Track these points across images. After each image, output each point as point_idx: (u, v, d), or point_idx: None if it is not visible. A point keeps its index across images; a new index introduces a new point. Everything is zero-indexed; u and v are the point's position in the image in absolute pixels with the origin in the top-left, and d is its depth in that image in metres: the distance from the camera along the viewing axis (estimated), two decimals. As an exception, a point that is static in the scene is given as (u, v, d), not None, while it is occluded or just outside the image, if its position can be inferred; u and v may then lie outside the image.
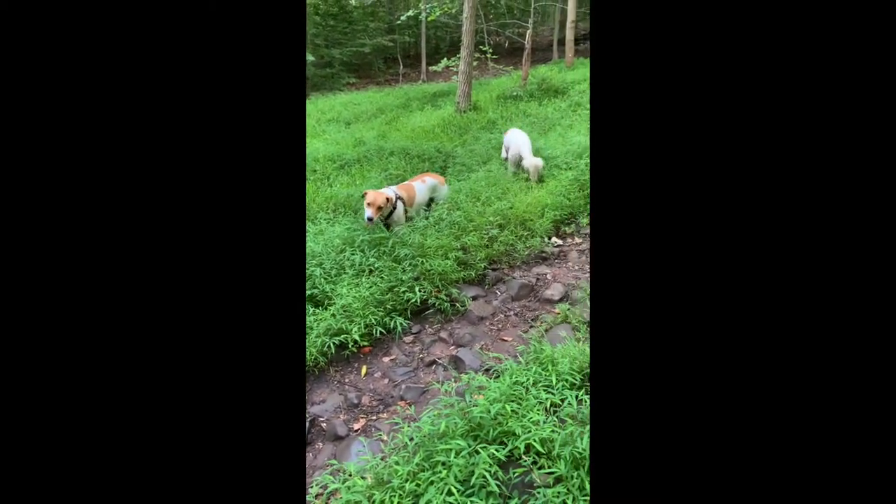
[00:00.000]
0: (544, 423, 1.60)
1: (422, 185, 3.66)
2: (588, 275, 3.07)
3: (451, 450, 1.52)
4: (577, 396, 1.72)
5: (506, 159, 4.42)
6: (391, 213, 3.30)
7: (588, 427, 1.58)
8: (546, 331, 2.56)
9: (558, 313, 2.72)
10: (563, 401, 1.75)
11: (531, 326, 2.70)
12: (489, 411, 1.63)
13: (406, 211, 3.44)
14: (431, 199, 3.80)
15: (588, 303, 2.68)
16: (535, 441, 1.52)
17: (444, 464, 1.52)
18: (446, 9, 10.40)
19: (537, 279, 3.12)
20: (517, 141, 4.20)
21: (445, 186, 3.86)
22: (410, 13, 10.47)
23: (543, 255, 3.37)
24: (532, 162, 4.00)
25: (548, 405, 1.72)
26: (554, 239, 3.54)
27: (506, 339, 2.61)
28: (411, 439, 1.66)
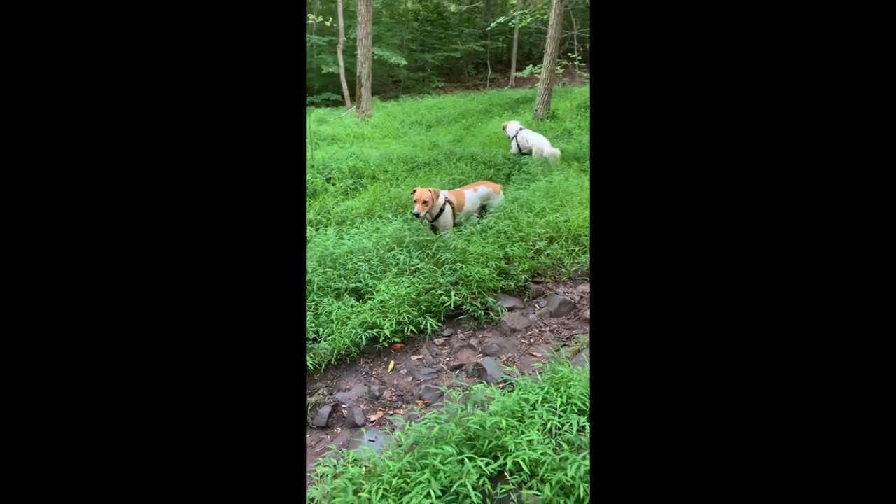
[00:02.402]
0: (539, 443, 1.57)
1: (472, 193, 3.69)
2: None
3: (440, 454, 1.56)
4: (579, 422, 1.66)
5: (528, 153, 5.51)
6: (439, 215, 3.38)
7: (584, 455, 1.53)
8: (577, 351, 2.47)
9: (595, 335, 2.61)
10: (556, 422, 1.70)
11: (564, 345, 2.62)
12: (485, 423, 1.64)
13: (455, 216, 3.50)
14: (484, 207, 3.83)
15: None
16: (522, 460, 1.50)
17: (433, 467, 1.56)
18: (538, 15, 10.30)
19: (581, 297, 3.01)
20: (538, 138, 5.43)
21: (500, 196, 3.86)
22: (501, 20, 10.52)
23: (592, 272, 3.25)
24: (552, 151, 5.22)
25: (549, 427, 1.68)
26: (607, 257, 3.40)
27: (534, 354, 2.56)
28: (408, 438, 1.72)
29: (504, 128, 5.93)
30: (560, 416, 1.75)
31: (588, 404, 1.81)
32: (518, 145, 5.63)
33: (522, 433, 1.65)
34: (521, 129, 5.68)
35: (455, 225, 3.54)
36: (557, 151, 5.25)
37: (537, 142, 5.43)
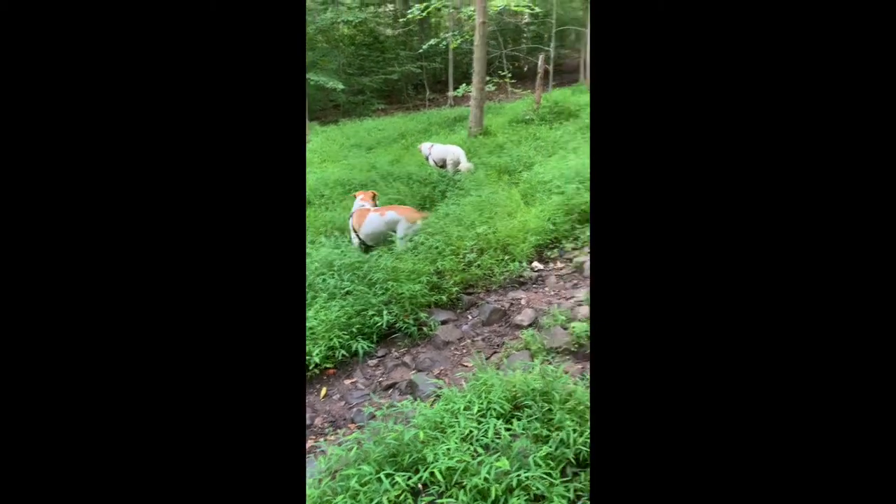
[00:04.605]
0: (456, 451, 1.60)
1: (377, 217, 3.63)
2: (561, 300, 3.03)
3: (357, 475, 1.55)
4: (495, 426, 1.71)
5: (441, 166, 5.87)
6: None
7: (497, 456, 1.57)
8: (506, 357, 2.54)
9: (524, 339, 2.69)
10: (477, 428, 1.74)
11: (495, 352, 2.69)
12: (403, 438, 1.65)
13: (356, 233, 3.68)
14: (392, 233, 3.69)
15: (552, 329, 2.65)
16: (438, 470, 1.52)
17: (352, 489, 1.55)
18: (467, 37, 10.69)
19: (511, 304, 3.10)
20: (454, 151, 5.80)
21: (415, 225, 3.65)
22: (432, 41, 10.83)
23: (521, 279, 3.36)
24: (467, 166, 5.65)
25: (466, 433, 1.71)
26: (535, 263, 3.52)
27: (466, 364, 2.60)
28: (329, 463, 1.70)
29: (420, 151, 6.26)
30: (480, 422, 1.79)
31: (508, 408, 1.86)
32: (434, 162, 5.94)
33: (442, 443, 1.67)
34: (432, 146, 6.02)
35: (362, 244, 3.67)
36: (471, 165, 5.68)
37: (453, 153, 5.77)
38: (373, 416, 2.29)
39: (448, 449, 1.61)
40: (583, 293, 2.99)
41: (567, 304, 2.92)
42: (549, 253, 3.64)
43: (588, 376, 2.22)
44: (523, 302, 3.11)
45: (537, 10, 11.25)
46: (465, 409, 1.87)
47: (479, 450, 1.62)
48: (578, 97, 8.94)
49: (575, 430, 1.69)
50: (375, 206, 3.95)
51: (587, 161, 4.82)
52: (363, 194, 4.03)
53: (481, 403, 1.88)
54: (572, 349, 2.51)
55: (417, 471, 1.60)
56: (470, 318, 3.04)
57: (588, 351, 2.47)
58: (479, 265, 3.35)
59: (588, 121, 7.32)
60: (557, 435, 1.68)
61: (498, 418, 1.79)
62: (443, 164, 5.90)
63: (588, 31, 11.00)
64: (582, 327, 2.56)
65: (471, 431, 1.71)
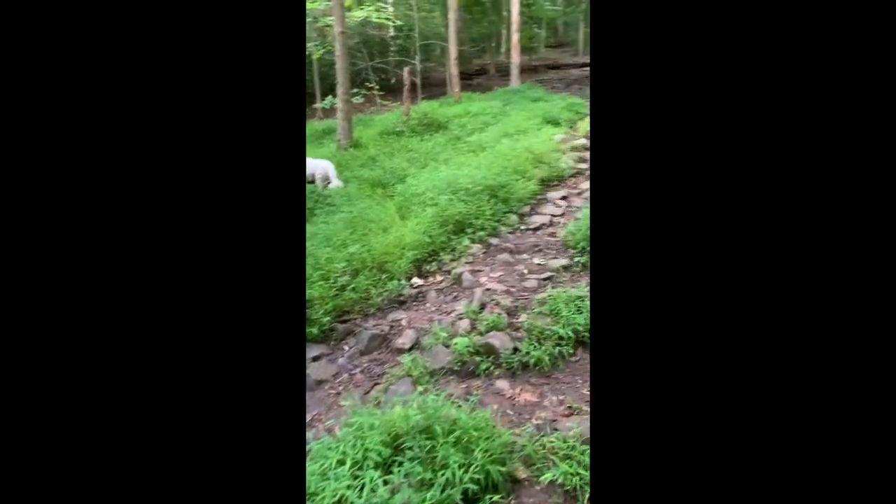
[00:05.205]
0: (326, 524, 1.34)
1: None
2: (443, 315, 2.92)
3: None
4: (372, 480, 1.49)
5: (310, 182, 5.54)
6: None
7: (375, 522, 1.35)
8: (385, 391, 2.33)
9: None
10: (352, 487, 1.50)
11: (376, 384, 2.46)
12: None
13: None
14: None
15: (434, 349, 2.51)
16: (302, 557, 1.24)
17: None
18: (330, 48, 10.33)
19: (391, 327, 2.91)
20: (324, 166, 5.51)
21: None
22: (292, 52, 10.22)
23: (401, 298, 3.18)
24: (337, 184, 5.34)
25: (338, 498, 1.46)
26: (414, 279, 3.38)
27: (343, 404, 2.33)
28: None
29: None
30: (356, 478, 1.54)
31: (388, 454, 1.65)
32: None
33: (311, 515, 1.39)
34: None
35: None
36: (342, 183, 5.38)
37: (322, 167, 5.50)
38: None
39: (316, 523, 1.35)
40: (462, 305, 2.91)
41: (448, 320, 2.82)
42: (427, 267, 3.52)
43: (473, 396, 2.12)
44: (404, 322, 2.94)
45: (399, 23, 11.35)
46: (338, 463, 1.61)
47: (354, 516, 1.38)
48: (447, 109, 9.15)
49: (461, 466, 1.54)
50: None
51: (458, 172, 4.86)
52: None
53: (356, 454, 1.64)
54: (455, 368, 2.39)
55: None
56: (346, 348, 2.77)
57: (471, 368, 2.38)
58: (353, 288, 3.09)
59: (457, 132, 7.51)
60: (442, 475, 1.52)
61: (376, 468, 1.57)
62: (311, 180, 5.50)
63: (450, 45, 11.40)
64: (464, 342, 2.47)
65: (343, 495, 1.46)
